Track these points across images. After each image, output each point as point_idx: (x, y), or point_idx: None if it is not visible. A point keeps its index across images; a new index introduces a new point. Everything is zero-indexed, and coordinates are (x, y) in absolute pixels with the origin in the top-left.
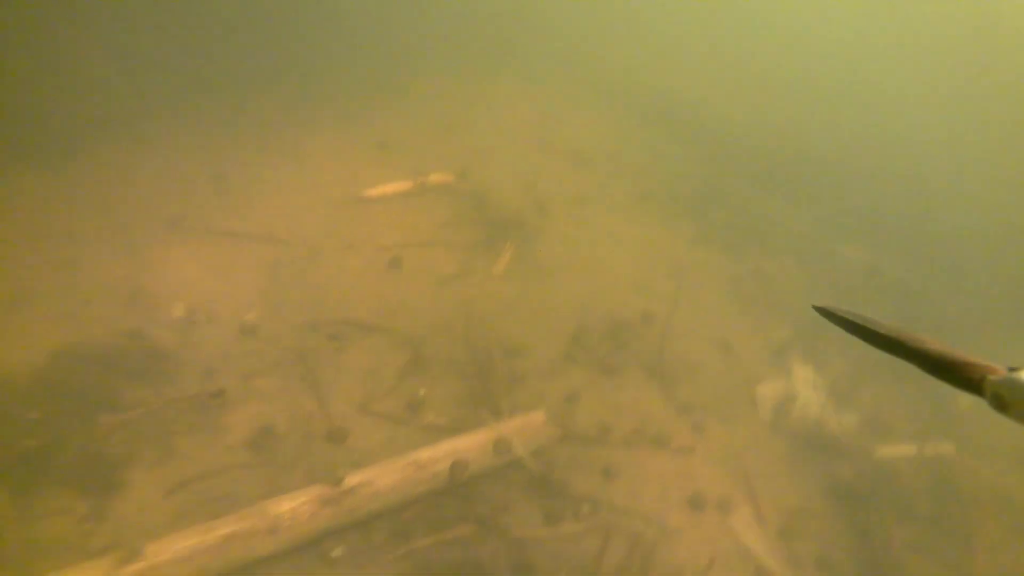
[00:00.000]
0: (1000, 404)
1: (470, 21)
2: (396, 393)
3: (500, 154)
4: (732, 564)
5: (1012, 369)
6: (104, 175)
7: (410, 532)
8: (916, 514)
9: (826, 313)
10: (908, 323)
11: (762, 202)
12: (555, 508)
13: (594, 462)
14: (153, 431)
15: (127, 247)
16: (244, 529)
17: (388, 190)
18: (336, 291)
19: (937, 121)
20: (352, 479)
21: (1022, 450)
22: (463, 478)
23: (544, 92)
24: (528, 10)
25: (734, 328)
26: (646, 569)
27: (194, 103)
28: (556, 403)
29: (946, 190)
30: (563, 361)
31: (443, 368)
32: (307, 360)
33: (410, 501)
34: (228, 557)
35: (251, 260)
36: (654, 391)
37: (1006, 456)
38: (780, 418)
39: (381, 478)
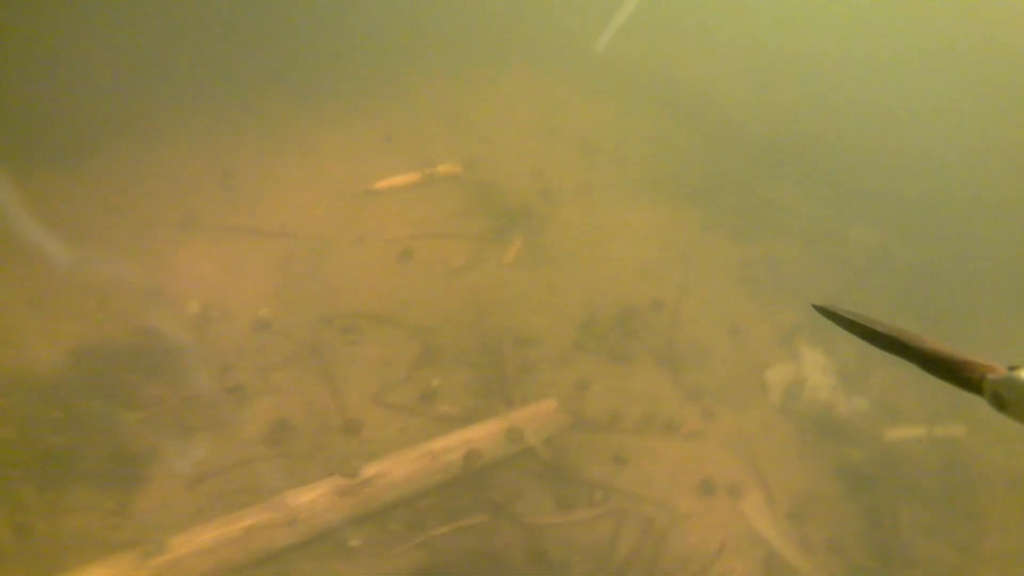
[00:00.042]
0: (999, 403)
1: (474, 10)
2: (409, 384)
3: (507, 143)
4: (743, 548)
5: (1012, 368)
6: (117, 174)
7: (426, 521)
8: (926, 496)
9: (825, 312)
10: (920, 304)
11: (770, 186)
12: (568, 495)
13: (605, 449)
14: (173, 427)
15: (141, 246)
16: (264, 521)
17: (396, 182)
18: (348, 284)
19: (947, 101)
20: (368, 470)
21: None
22: (477, 467)
23: (550, 80)
24: None
25: (743, 313)
26: (658, 554)
27: (202, 101)
28: (567, 391)
29: (956, 169)
30: (573, 349)
31: (455, 358)
32: (321, 353)
33: (425, 491)
34: (249, 549)
35: (263, 256)
36: (664, 377)
37: (1016, 437)
38: (790, 402)
39: (396, 469)
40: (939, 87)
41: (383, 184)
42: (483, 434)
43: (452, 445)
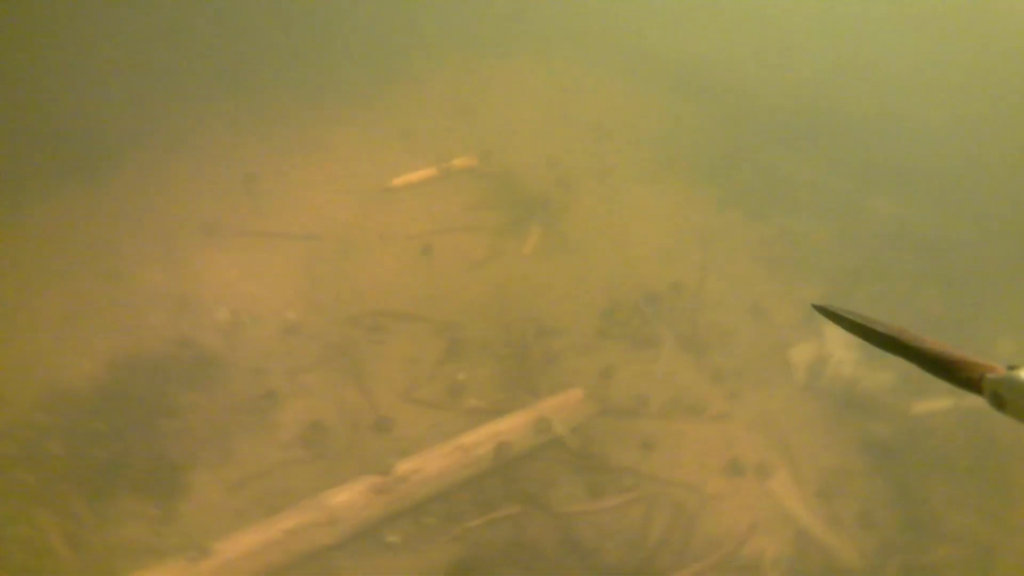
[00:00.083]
0: (999, 403)
1: (481, 0)
2: (437, 380)
3: (522, 132)
4: (773, 527)
5: (1011, 367)
6: (140, 186)
7: (460, 514)
8: (955, 468)
9: (825, 312)
10: (943, 275)
11: (787, 161)
12: (597, 482)
13: (633, 434)
14: (210, 433)
15: (169, 255)
16: (305, 522)
17: (414, 178)
18: (371, 283)
19: (968, 68)
20: (402, 467)
21: None
22: (507, 459)
23: (561, 66)
24: None
25: (764, 292)
26: (689, 537)
27: (219, 107)
28: (592, 379)
29: (979, 138)
30: (596, 337)
31: (480, 352)
32: (349, 353)
33: (458, 484)
34: (291, 550)
35: (287, 258)
36: (688, 360)
37: None
38: (814, 379)
39: (429, 464)
40: (960, 54)
41: (401, 181)
42: (512, 426)
43: (482, 439)
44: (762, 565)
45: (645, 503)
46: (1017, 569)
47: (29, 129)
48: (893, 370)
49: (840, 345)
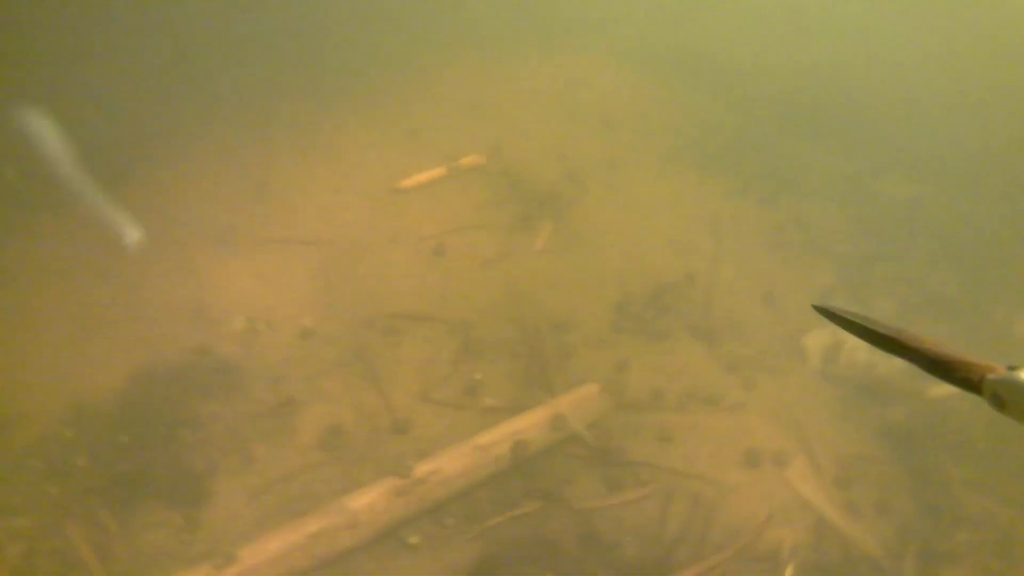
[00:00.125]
0: (999, 403)
1: None
2: (453, 380)
3: (529, 128)
4: (791, 516)
5: (1011, 368)
6: (154, 197)
7: (480, 513)
8: (974, 451)
9: (825, 312)
10: (959, 254)
11: (796, 146)
12: (615, 477)
13: (649, 428)
14: (231, 441)
15: (184, 266)
16: (327, 526)
17: (423, 178)
18: (385, 285)
19: (978, 43)
20: (421, 469)
21: None
22: (525, 457)
23: (568, 59)
24: None
25: (776, 279)
26: (708, 529)
27: (227, 115)
28: (607, 373)
29: (991, 113)
30: (610, 331)
31: (495, 350)
32: (365, 356)
33: (477, 484)
34: (314, 554)
35: (301, 264)
36: (702, 351)
37: None
38: (829, 366)
39: (448, 465)
40: (968, 32)
41: (410, 181)
42: (528, 424)
43: (499, 438)
44: (780, 555)
45: (663, 496)
46: None
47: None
48: None
49: None
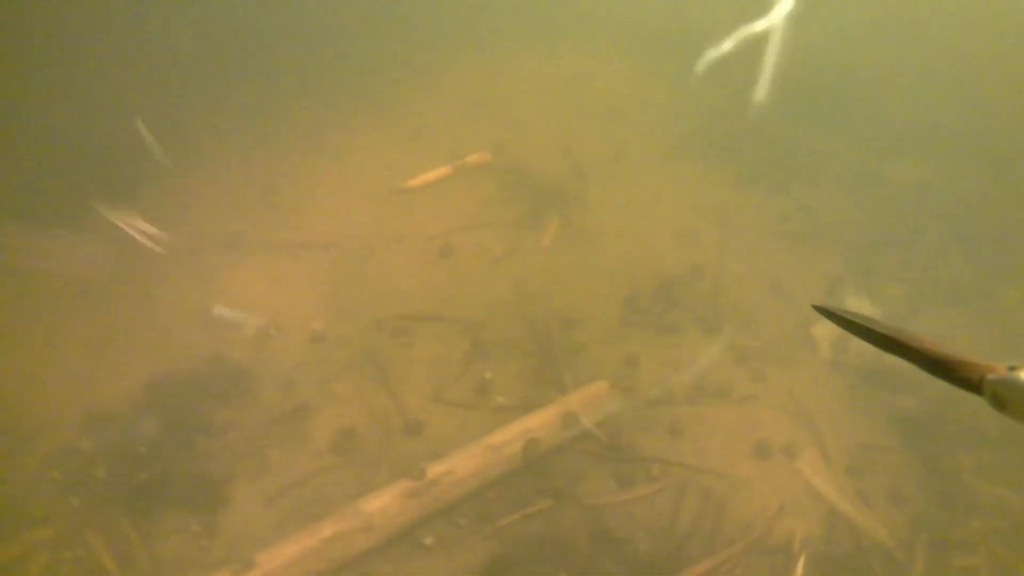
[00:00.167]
0: (999, 404)
1: None
2: (464, 379)
3: (533, 123)
4: (803, 507)
5: (1011, 368)
6: (164, 205)
7: (493, 513)
8: (986, 438)
9: (825, 312)
10: (970, 237)
11: (801, 132)
12: (626, 472)
13: (659, 422)
14: (246, 447)
15: (195, 273)
16: (342, 530)
17: (429, 178)
18: (394, 286)
19: (975, 23)
20: (433, 470)
21: None
22: (536, 455)
23: (569, 53)
24: None
25: (785, 268)
26: (719, 522)
27: (235, 122)
28: (617, 368)
29: (997, 93)
30: (619, 326)
31: (505, 349)
32: (376, 358)
33: (489, 483)
34: (330, 557)
35: (310, 268)
36: (711, 344)
37: None
38: (839, 355)
39: (460, 466)
40: (971, 9)
41: (416, 181)
42: (539, 423)
43: (511, 437)
44: (792, 547)
45: (674, 491)
46: None
47: (51, 156)
48: None
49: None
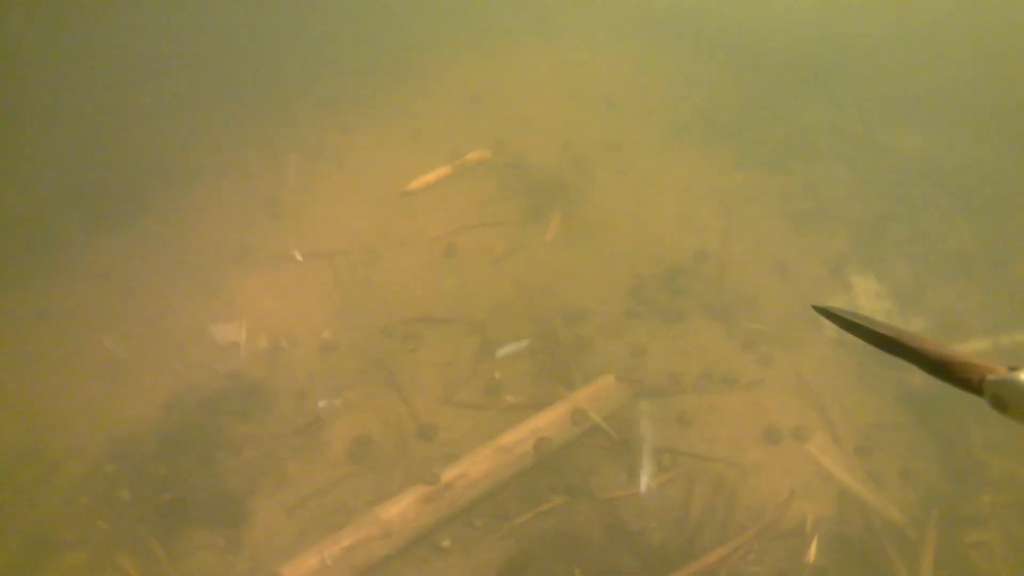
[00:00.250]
0: (999, 404)
1: None
2: (473, 380)
3: (532, 117)
4: (814, 490)
5: (1012, 369)
6: (169, 225)
7: (507, 512)
8: (995, 412)
9: (825, 313)
10: (977, 206)
11: (802, 109)
12: (638, 464)
13: (669, 412)
14: (265, 460)
15: (204, 290)
16: (362, 538)
17: (430, 178)
18: (400, 291)
19: None
20: (448, 474)
21: None
22: (548, 453)
23: (565, 43)
24: None
25: (789, 249)
26: (731, 509)
27: (235, 134)
28: (624, 360)
29: (1000, 57)
30: (625, 317)
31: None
32: (386, 364)
33: (503, 483)
34: (352, 565)
35: (316, 277)
36: (718, 330)
37: None
38: (846, 335)
39: (473, 468)
40: None
41: (418, 183)
42: (549, 421)
43: (522, 437)
44: (804, 530)
45: (685, 480)
46: None
47: (56, 182)
48: (926, 317)
49: (871, 296)
